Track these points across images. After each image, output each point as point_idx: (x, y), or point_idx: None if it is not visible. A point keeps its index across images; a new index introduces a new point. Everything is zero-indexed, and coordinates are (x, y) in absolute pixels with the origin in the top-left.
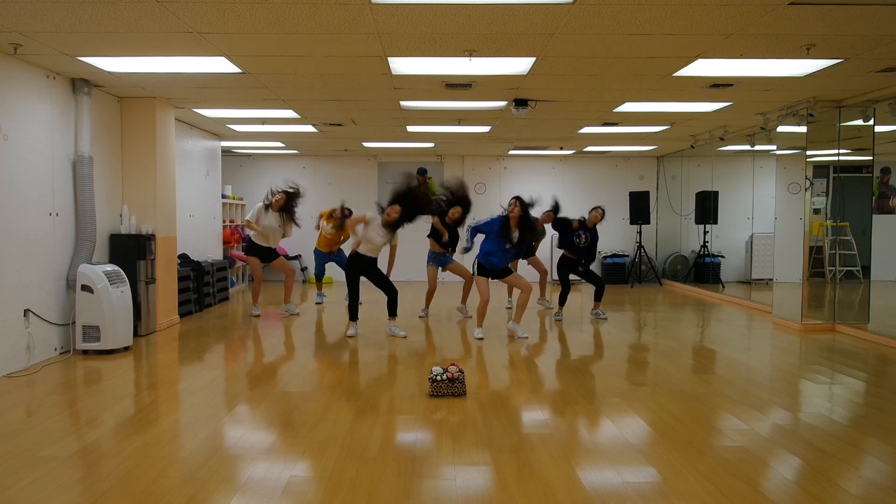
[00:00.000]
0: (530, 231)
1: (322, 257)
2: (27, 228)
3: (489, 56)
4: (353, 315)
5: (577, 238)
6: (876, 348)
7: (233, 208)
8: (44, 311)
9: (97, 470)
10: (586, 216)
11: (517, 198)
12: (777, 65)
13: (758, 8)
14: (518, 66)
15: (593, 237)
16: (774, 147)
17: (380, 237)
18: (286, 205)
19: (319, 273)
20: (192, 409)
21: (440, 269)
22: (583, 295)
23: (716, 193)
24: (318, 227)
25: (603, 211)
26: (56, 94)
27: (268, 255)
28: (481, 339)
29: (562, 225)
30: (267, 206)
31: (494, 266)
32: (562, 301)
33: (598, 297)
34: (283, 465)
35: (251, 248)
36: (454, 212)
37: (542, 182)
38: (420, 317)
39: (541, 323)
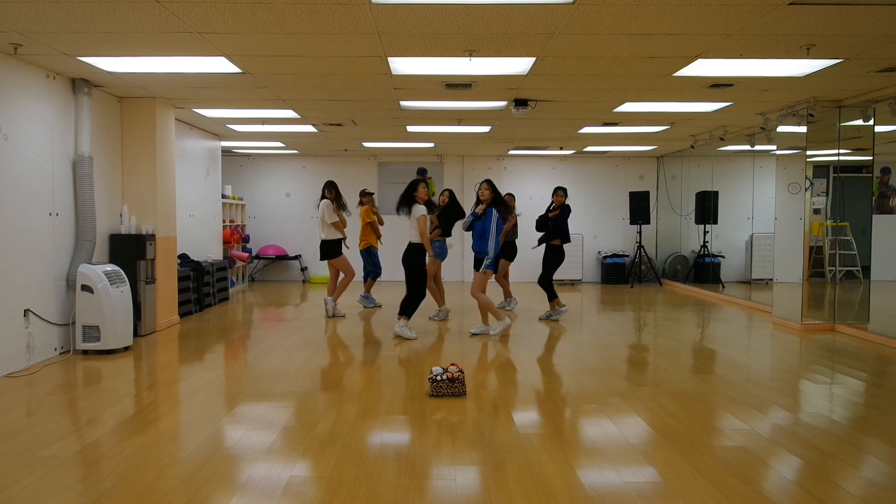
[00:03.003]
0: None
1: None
2: (27, 228)
3: (489, 56)
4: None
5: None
6: (876, 348)
7: (233, 208)
8: (44, 311)
9: (97, 470)
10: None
11: (485, 182)
12: (777, 65)
13: (758, 8)
14: (518, 66)
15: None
16: (774, 147)
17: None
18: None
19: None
20: (192, 409)
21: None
22: (582, 295)
23: (716, 193)
24: (377, 223)
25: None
26: (56, 94)
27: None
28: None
29: (565, 214)
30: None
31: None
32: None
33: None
34: (283, 465)
35: (335, 250)
36: (442, 196)
37: (543, 182)
38: (431, 318)
39: (544, 324)
